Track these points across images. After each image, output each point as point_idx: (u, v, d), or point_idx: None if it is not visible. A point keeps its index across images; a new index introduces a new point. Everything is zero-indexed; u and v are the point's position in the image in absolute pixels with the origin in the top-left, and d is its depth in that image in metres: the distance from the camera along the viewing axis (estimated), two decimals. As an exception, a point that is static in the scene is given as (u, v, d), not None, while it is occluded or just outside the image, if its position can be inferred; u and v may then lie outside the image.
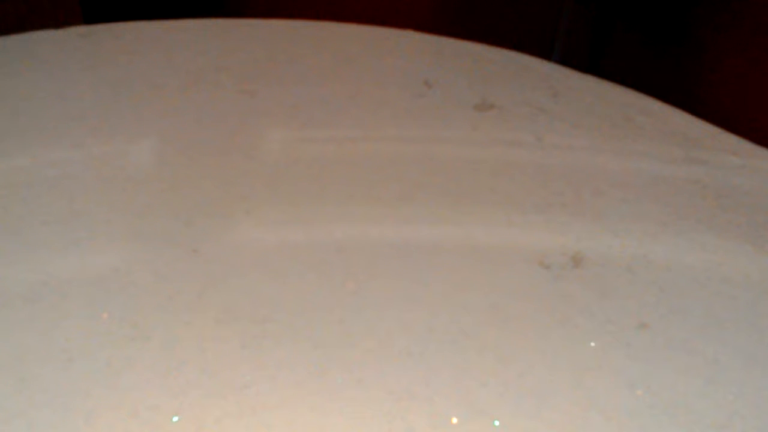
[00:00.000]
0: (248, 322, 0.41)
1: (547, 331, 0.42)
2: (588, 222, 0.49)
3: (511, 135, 0.56)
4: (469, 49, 0.66)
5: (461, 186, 0.51)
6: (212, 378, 0.39)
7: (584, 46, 1.21)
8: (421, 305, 0.43)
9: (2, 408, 0.37)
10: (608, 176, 0.53)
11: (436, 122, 0.57)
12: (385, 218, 0.49)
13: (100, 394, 0.37)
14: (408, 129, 0.56)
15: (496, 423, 0.38)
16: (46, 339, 0.40)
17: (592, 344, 0.42)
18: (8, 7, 0.99)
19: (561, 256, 0.46)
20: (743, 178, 0.54)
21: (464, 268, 0.46)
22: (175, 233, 0.46)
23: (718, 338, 0.43)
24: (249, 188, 0.50)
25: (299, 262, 0.45)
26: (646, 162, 0.55)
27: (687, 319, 0.44)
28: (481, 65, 0.64)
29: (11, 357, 0.39)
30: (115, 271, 0.44)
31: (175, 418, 0.37)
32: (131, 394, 0.38)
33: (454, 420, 0.38)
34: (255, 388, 0.38)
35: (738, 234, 0.49)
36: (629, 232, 0.49)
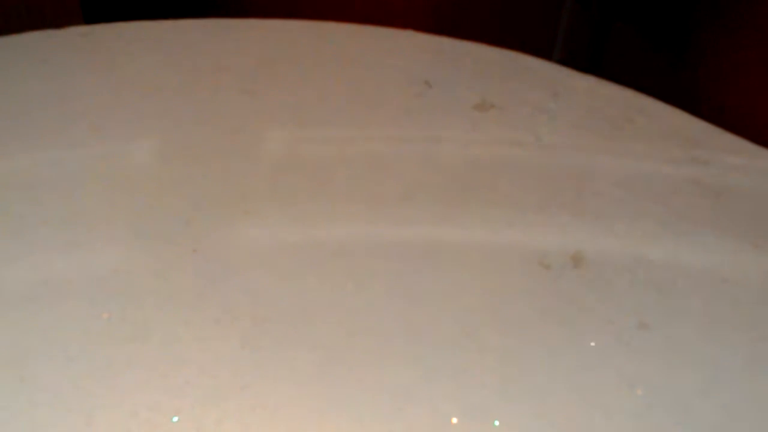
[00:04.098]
0: (248, 322, 0.41)
1: (547, 331, 0.42)
2: (588, 222, 0.49)
3: (511, 135, 0.56)
4: (469, 49, 0.66)
5: (461, 186, 0.51)
6: (212, 378, 0.39)
7: (584, 46, 1.21)
8: (421, 305, 0.43)
9: (2, 408, 0.37)
10: (608, 176, 0.53)
11: (436, 122, 0.57)
12: (385, 218, 0.49)
13: (100, 394, 0.37)
14: (408, 129, 0.56)
15: (496, 423, 0.38)
16: (46, 339, 0.40)
17: (592, 344, 0.42)
18: (8, 7, 0.99)
19: (561, 256, 0.46)
20: (743, 178, 0.54)
21: (464, 268, 0.46)
22: (175, 233, 0.46)
23: (718, 338, 0.43)
24: (249, 188, 0.50)
25: (299, 262, 0.45)
26: (646, 162, 0.55)
27: (687, 319, 0.44)
28: (481, 65, 0.64)
29: (11, 357, 0.39)
30: (115, 271, 0.44)
31: (175, 418, 0.37)
32: (131, 394, 0.38)
33: (454, 420, 0.38)
34: (255, 389, 0.38)
35: (738, 234, 0.49)
36: (629, 232, 0.49)
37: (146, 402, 0.37)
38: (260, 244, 0.47)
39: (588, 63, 1.22)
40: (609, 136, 0.57)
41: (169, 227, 0.47)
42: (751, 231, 0.50)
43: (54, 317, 0.41)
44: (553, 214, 0.50)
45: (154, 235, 0.46)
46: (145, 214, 0.47)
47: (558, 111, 0.59)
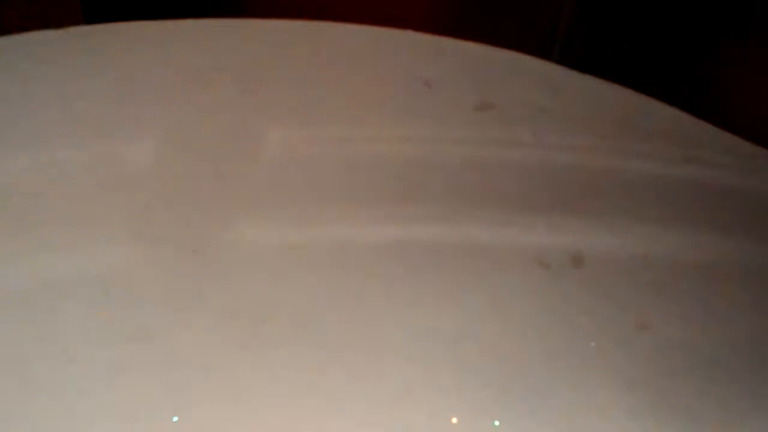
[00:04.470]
0: (248, 322, 0.41)
1: (547, 331, 0.42)
2: (588, 222, 0.49)
3: (511, 135, 0.56)
4: (469, 49, 0.66)
5: (461, 186, 0.51)
6: (212, 378, 0.39)
7: (584, 46, 1.21)
8: (421, 305, 0.43)
9: (2, 408, 0.37)
10: (608, 176, 0.53)
11: (436, 122, 0.57)
12: (385, 218, 0.49)
13: (100, 394, 0.37)
14: (408, 129, 0.56)
15: (496, 423, 0.38)
16: (46, 339, 0.40)
17: (592, 344, 0.42)
18: (8, 7, 0.99)
19: (561, 256, 0.46)
20: (743, 178, 0.54)
21: (464, 268, 0.46)
22: (175, 233, 0.46)
23: (718, 338, 0.43)
24: (249, 188, 0.50)
25: (299, 262, 0.45)
26: (646, 162, 0.55)
27: (687, 319, 0.44)
28: (481, 65, 0.64)
29: (11, 357, 0.39)
30: (115, 271, 0.44)
31: (175, 418, 0.37)
32: (131, 394, 0.38)
33: (454, 420, 0.38)
34: (255, 388, 0.38)
35: (738, 234, 0.49)
36: (629, 232, 0.49)
37: (146, 402, 0.37)
38: (260, 244, 0.47)
39: (588, 63, 1.21)
40: (609, 136, 0.57)
41: (169, 227, 0.47)
42: (751, 231, 0.50)
43: (54, 317, 0.41)
44: (553, 214, 0.50)
45: (154, 235, 0.46)
46: (145, 214, 0.47)
47: (558, 111, 0.59)
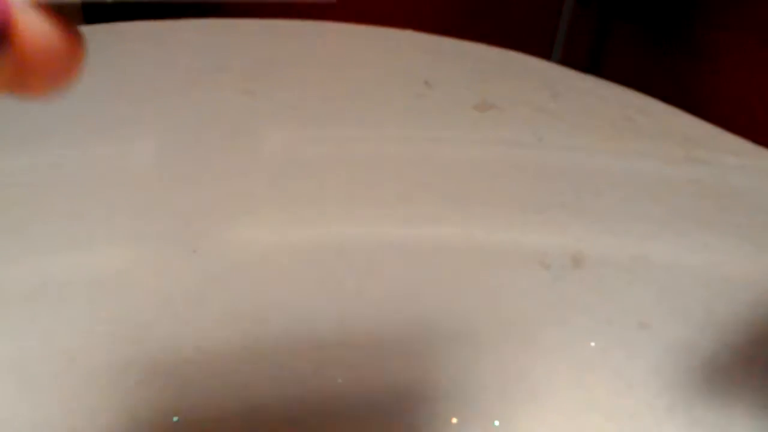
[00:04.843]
0: (248, 322, 0.41)
1: (547, 331, 0.42)
2: (588, 222, 0.49)
3: (511, 135, 0.56)
4: (469, 49, 0.66)
5: (461, 186, 0.51)
6: (212, 378, 0.39)
7: (584, 46, 1.21)
8: (421, 305, 0.43)
9: (2, 408, 0.37)
10: (608, 176, 0.53)
11: (436, 122, 0.57)
12: (385, 218, 0.49)
13: (100, 394, 0.37)
14: (408, 129, 0.56)
15: (496, 423, 0.38)
16: (46, 339, 0.40)
17: (592, 344, 0.42)
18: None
19: (561, 256, 0.46)
20: (743, 178, 0.54)
21: (464, 268, 0.46)
22: (175, 233, 0.46)
23: (718, 338, 0.43)
24: (249, 188, 0.50)
25: (299, 262, 0.45)
26: (646, 162, 0.55)
27: (687, 319, 0.44)
28: (481, 65, 0.64)
29: (11, 357, 0.39)
30: (115, 271, 0.44)
31: (175, 418, 0.37)
32: (131, 394, 0.38)
33: (454, 420, 0.38)
34: (255, 388, 0.38)
35: (738, 234, 0.49)
36: (629, 232, 0.49)
37: (146, 402, 0.37)
38: (260, 244, 0.47)
39: (588, 63, 1.22)
40: (609, 136, 0.57)
41: (169, 227, 0.47)
42: (751, 231, 0.50)
43: (54, 317, 0.41)
44: (553, 214, 0.50)
45: (154, 235, 0.46)
46: (145, 214, 0.47)
47: (558, 111, 0.59)
